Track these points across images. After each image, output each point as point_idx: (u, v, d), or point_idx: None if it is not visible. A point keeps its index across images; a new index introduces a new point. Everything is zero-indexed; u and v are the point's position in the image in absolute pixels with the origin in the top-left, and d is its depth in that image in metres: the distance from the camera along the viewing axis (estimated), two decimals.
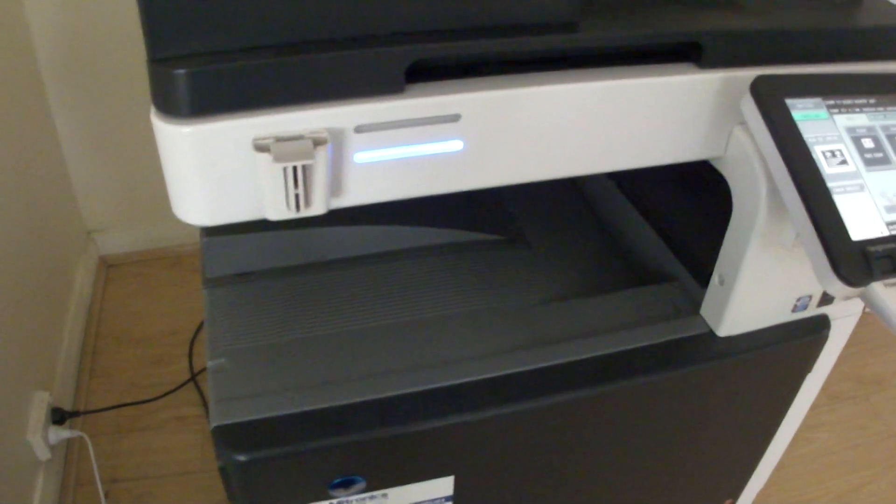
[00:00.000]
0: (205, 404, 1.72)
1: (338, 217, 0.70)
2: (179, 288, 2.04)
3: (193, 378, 1.77)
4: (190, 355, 1.84)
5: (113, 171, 1.98)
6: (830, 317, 0.88)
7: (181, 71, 0.55)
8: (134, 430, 1.67)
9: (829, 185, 0.64)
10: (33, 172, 1.69)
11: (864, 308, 0.89)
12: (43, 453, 1.46)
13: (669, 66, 0.68)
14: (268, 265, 0.92)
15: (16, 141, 1.59)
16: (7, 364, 1.40)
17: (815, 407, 1.75)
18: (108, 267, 2.10)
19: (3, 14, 1.58)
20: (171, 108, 0.57)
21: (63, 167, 1.92)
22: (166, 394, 1.73)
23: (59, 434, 1.51)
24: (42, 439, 1.45)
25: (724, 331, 0.83)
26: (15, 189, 1.56)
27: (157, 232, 2.10)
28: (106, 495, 1.52)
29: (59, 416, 1.53)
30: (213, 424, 0.72)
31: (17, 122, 1.62)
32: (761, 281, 0.78)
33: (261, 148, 0.58)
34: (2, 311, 1.41)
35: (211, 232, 0.91)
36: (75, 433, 1.56)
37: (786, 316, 0.85)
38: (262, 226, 0.89)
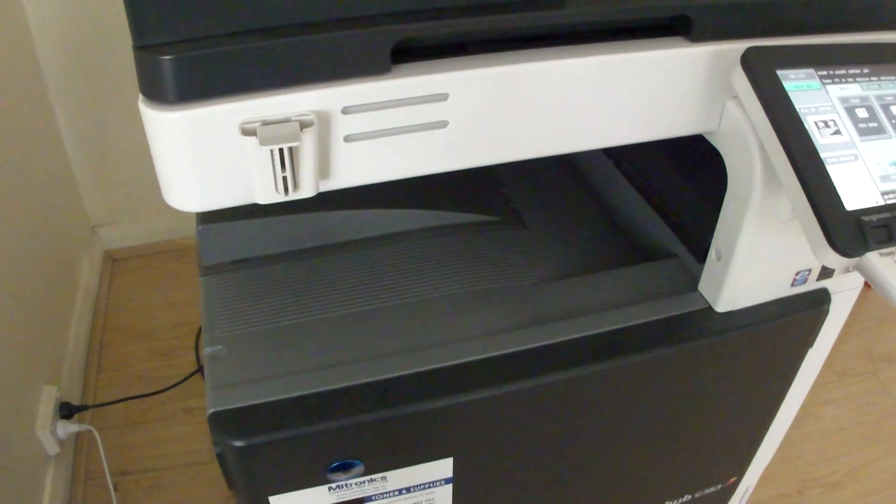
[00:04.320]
0: None
1: (332, 201, 0.70)
2: (185, 280, 2.05)
3: (200, 370, 1.78)
4: (196, 347, 1.85)
5: (116, 165, 1.99)
6: (831, 290, 0.87)
7: (166, 57, 0.55)
8: (142, 422, 1.67)
9: (823, 155, 0.64)
10: (36, 169, 1.70)
11: (866, 282, 0.89)
12: (52, 448, 1.47)
13: (660, 41, 0.67)
14: (264, 251, 0.92)
15: (18, 137, 1.60)
16: (15, 359, 1.41)
17: (823, 383, 1.76)
18: (114, 261, 2.11)
19: (2, 9, 1.58)
20: (158, 94, 0.57)
21: (66, 162, 1.93)
22: (173, 386, 1.74)
23: (68, 428, 1.52)
24: (51, 434, 1.45)
25: (722, 306, 0.83)
26: (18, 186, 1.56)
27: (161, 225, 2.10)
28: (115, 488, 1.53)
29: (67, 411, 1.54)
30: (210, 411, 0.72)
31: (19, 118, 1.62)
32: (758, 255, 0.78)
33: (247, 132, 0.57)
34: (9, 308, 1.41)
35: (206, 219, 0.91)
36: (84, 427, 1.57)
37: (785, 290, 0.84)
38: (257, 212, 0.90)
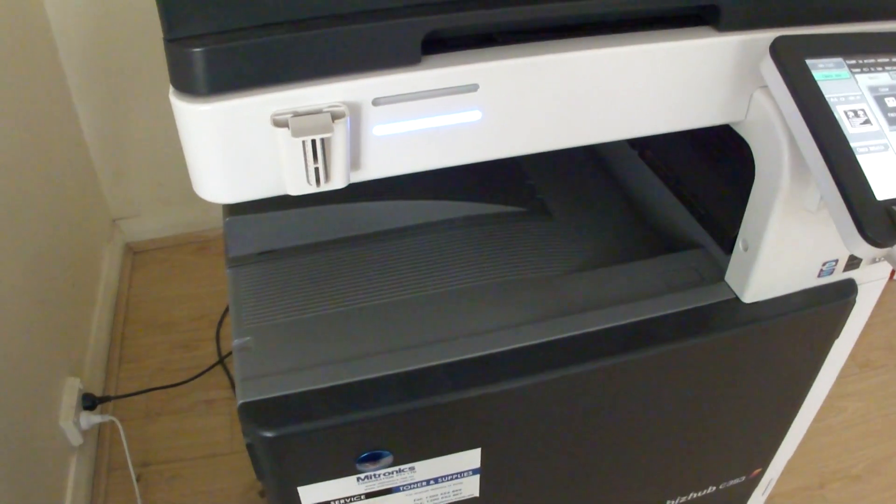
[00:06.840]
0: (233, 387, 1.73)
1: (358, 192, 0.70)
2: (205, 272, 2.05)
3: (221, 361, 1.79)
4: (217, 339, 1.85)
5: (136, 158, 2.00)
6: (857, 281, 0.87)
7: (198, 49, 0.55)
8: (164, 413, 1.68)
9: (853, 145, 0.63)
10: (57, 162, 1.71)
11: (893, 274, 0.88)
12: (75, 439, 1.48)
13: (688, 31, 0.67)
14: (290, 243, 0.93)
15: (39, 131, 1.60)
16: (38, 352, 1.42)
17: (845, 376, 1.75)
18: (135, 253, 2.12)
19: (24, 3, 1.59)
20: (189, 86, 0.57)
21: (87, 155, 1.94)
22: (194, 377, 1.74)
23: (91, 419, 1.53)
24: (74, 425, 1.46)
25: (749, 297, 0.83)
26: (40, 179, 1.57)
27: (182, 217, 2.11)
28: (138, 478, 1.54)
29: (90, 402, 1.55)
30: (240, 401, 0.73)
31: (40, 112, 1.63)
32: (786, 246, 0.78)
33: (279, 123, 0.58)
34: (31, 301, 1.42)
35: (233, 211, 0.92)
36: (106, 418, 1.58)
37: (812, 281, 0.84)
38: (284, 203, 0.90)
